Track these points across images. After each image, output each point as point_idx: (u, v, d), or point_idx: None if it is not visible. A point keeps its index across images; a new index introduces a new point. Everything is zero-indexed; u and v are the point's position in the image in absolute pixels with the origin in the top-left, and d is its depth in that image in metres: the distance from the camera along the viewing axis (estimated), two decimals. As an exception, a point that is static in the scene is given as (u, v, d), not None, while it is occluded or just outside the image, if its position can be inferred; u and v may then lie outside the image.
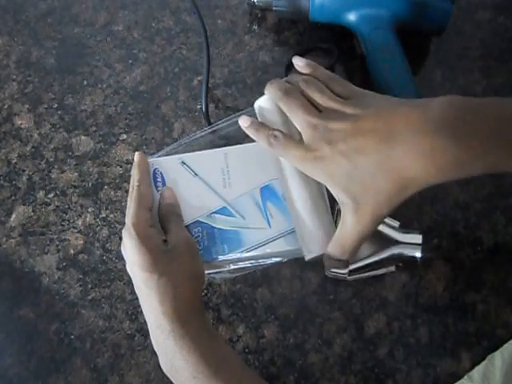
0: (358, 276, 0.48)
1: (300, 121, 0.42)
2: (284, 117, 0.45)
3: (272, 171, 0.48)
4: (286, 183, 0.46)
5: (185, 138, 0.51)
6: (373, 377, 0.51)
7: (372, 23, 0.58)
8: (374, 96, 0.42)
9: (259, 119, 0.47)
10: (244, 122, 0.46)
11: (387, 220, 0.51)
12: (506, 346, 0.46)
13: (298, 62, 0.46)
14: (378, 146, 0.38)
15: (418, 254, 0.50)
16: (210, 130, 0.51)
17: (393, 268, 0.49)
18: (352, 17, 0.59)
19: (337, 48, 0.62)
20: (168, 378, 0.44)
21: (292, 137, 0.43)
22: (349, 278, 0.48)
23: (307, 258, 0.45)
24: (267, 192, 0.47)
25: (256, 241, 0.46)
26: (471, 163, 0.36)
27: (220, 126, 0.51)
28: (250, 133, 0.45)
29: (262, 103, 0.47)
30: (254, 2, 0.63)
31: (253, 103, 0.61)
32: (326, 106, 0.42)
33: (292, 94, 0.43)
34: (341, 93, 0.43)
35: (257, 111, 0.48)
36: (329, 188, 0.41)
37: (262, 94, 0.61)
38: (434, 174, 0.37)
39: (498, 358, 0.44)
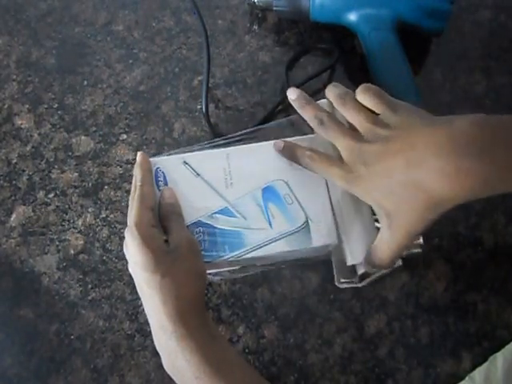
0: (369, 281, 0.48)
1: (340, 145, 0.44)
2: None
3: (274, 172, 0.48)
4: (332, 190, 0.48)
5: (194, 146, 0.51)
6: (373, 377, 0.51)
7: (372, 23, 0.58)
8: (404, 109, 0.44)
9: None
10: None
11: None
12: (507, 346, 0.46)
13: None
14: (405, 169, 0.39)
15: (419, 250, 0.50)
16: (222, 142, 0.52)
17: (400, 262, 0.48)
18: (352, 17, 0.59)
19: (337, 48, 0.62)
20: (168, 379, 0.44)
21: (331, 157, 0.46)
22: (360, 284, 0.48)
23: (350, 263, 0.46)
24: (269, 193, 0.47)
25: (257, 241, 0.46)
26: (498, 182, 0.37)
27: (230, 140, 0.52)
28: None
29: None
30: (254, 2, 0.63)
31: (253, 103, 0.61)
32: (360, 127, 0.44)
33: (329, 121, 0.46)
34: (373, 106, 0.44)
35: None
36: (370, 204, 0.44)
37: (263, 93, 0.62)
38: (461, 194, 0.37)
39: (499, 359, 0.44)
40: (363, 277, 0.48)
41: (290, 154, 0.48)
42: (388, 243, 0.43)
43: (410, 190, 0.39)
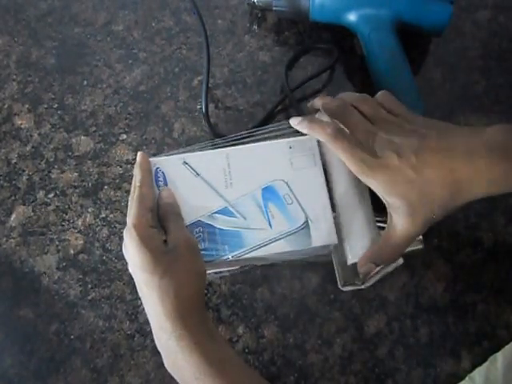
0: (371, 281, 0.48)
1: (360, 131, 0.45)
2: None
3: (274, 172, 0.48)
4: (334, 189, 0.48)
5: (194, 146, 0.51)
6: (373, 377, 0.51)
7: (372, 23, 0.58)
8: (421, 117, 0.47)
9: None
10: (294, 120, 0.48)
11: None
12: (507, 347, 0.46)
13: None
14: (441, 162, 0.43)
15: (420, 246, 0.50)
16: (222, 142, 0.52)
17: (401, 261, 0.48)
18: (352, 17, 0.59)
19: (337, 48, 0.62)
20: (168, 379, 0.44)
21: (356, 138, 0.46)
22: (363, 286, 0.48)
23: (350, 262, 0.46)
24: (269, 193, 0.47)
25: (257, 241, 0.46)
26: None
27: (230, 140, 0.52)
28: (303, 128, 0.47)
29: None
30: (253, 2, 0.63)
31: (253, 103, 0.61)
32: (382, 119, 0.46)
33: (347, 108, 0.47)
34: (394, 107, 0.47)
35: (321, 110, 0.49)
36: (384, 194, 0.44)
37: (262, 93, 0.62)
38: (486, 186, 0.43)
39: (499, 360, 0.44)
40: (365, 278, 0.48)
41: (308, 128, 0.47)
42: (403, 233, 0.44)
43: (440, 180, 0.42)
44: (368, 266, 0.46)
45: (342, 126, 0.46)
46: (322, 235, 0.46)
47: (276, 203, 0.47)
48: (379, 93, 0.48)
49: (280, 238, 0.46)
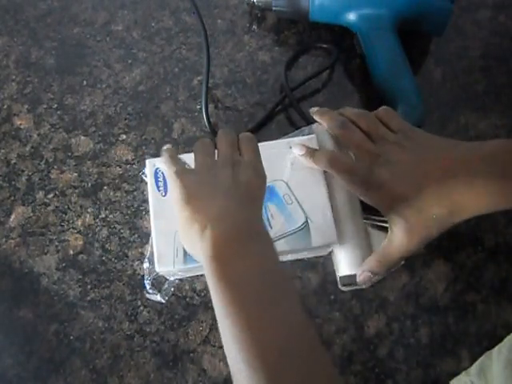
0: (373, 280, 0.48)
1: (360, 150, 0.46)
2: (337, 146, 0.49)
3: (273, 172, 0.48)
4: (334, 201, 0.48)
5: None
6: (373, 377, 0.51)
7: (372, 23, 0.58)
8: (422, 132, 0.48)
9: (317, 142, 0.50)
10: (299, 150, 0.48)
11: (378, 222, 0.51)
12: (503, 343, 0.46)
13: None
14: (438, 180, 0.43)
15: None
16: None
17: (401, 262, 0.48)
18: (352, 17, 0.59)
19: (337, 48, 0.62)
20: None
21: (351, 158, 0.47)
22: (364, 286, 0.48)
23: (341, 274, 0.48)
24: (268, 193, 0.47)
25: None
26: None
27: None
28: (306, 159, 0.48)
29: (317, 129, 0.50)
30: (253, 2, 0.63)
31: (253, 103, 0.61)
32: (380, 137, 0.47)
33: (348, 126, 0.48)
34: (395, 123, 0.48)
35: (315, 134, 0.50)
36: (383, 211, 0.45)
37: (262, 93, 0.62)
38: (484, 203, 0.43)
39: (494, 352, 0.45)
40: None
41: (309, 156, 0.48)
42: (399, 247, 0.45)
43: (437, 198, 0.43)
44: (365, 275, 0.46)
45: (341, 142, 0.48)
46: (322, 235, 0.46)
47: (275, 203, 0.47)
48: (380, 109, 0.49)
49: (280, 238, 0.46)
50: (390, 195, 0.45)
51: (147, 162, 0.50)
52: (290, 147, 0.49)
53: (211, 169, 0.43)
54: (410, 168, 0.45)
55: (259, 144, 0.49)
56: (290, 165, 0.48)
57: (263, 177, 0.44)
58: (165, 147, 0.47)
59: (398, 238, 0.45)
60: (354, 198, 0.48)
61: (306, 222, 0.47)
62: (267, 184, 0.47)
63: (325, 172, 0.49)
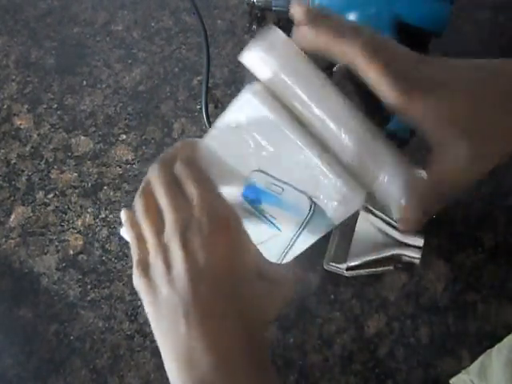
0: (356, 273, 0.48)
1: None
2: None
3: (242, 162, 0.36)
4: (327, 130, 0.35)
5: None
6: (373, 377, 0.51)
7: (372, 23, 0.58)
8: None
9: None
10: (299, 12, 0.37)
11: (392, 221, 0.51)
12: (502, 342, 0.46)
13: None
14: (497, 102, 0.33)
15: (418, 258, 0.51)
16: None
17: (391, 267, 0.49)
18: (352, 17, 0.59)
19: (336, 48, 0.62)
20: (167, 380, 0.44)
21: None
22: (346, 273, 0.48)
23: (398, 208, 0.35)
24: (251, 193, 0.38)
25: (278, 251, 0.39)
26: None
27: None
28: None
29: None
30: (253, 2, 0.63)
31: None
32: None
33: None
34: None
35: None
36: (436, 126, 0.33)
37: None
38: None
39: (494, 352, 0.45)
40: (352, 268, 0.50)
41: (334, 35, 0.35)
42: (460, 173, 0.33)
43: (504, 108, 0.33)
44: (417, 214, 0.35)
45: None
46: (338, 208, 0.35)
47: (267, 201, 0.37)
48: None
49: (298, 235, 0.38)
50: (448, 97, 0.33)
51: (121, 230, 0.41)
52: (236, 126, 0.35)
53: (158, 268, 0.35)
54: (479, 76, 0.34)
55: (211, 131, 0.38)
56: (250, 144, 0.36)
57: (225, 218, 0.34)
58: (122, 212, 0.38)
59: (462, 155, 0.32)
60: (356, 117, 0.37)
61: (312, 201, 0.36)
62: (245, 184, 0.38)
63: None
